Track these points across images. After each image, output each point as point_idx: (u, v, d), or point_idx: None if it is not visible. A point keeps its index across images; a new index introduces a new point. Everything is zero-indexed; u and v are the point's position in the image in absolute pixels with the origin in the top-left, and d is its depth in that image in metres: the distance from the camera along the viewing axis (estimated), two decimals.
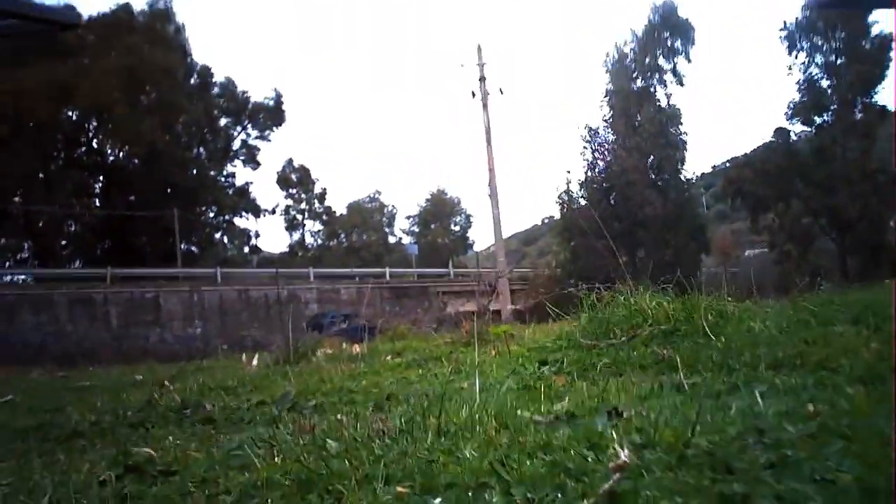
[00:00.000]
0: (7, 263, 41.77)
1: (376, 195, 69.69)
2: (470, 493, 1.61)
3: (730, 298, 4.75)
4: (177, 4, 63.71)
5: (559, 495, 1.51)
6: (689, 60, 39.69)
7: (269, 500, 1.77)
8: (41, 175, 38.53)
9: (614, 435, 1.91)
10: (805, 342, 3.32)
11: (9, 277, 35.74)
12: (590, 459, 1.75)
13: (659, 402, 2.56)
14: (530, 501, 1.51)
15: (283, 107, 50.23)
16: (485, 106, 31.39)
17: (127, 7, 42.92)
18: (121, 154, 43.04)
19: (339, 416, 3.02)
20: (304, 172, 63.64)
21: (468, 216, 70.94)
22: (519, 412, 2.54)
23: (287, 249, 63.27)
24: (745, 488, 1.32)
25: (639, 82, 39.02)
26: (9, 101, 33.44)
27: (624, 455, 1.58)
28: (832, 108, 38.70)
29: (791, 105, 40.54)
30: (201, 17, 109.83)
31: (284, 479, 1.95)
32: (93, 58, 39.96)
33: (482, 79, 31.65)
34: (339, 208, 66.85)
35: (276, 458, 2.26)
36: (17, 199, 38.97)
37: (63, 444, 3.39)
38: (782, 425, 1.80)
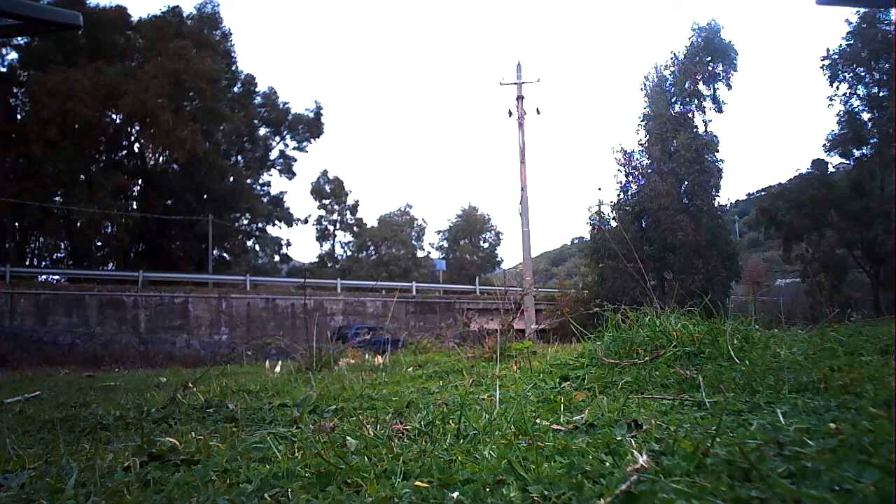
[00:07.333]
0: (43, 263, 42.56)
1: (407, 209, 70.02)
2: (487, 489, 1.62)
3: (757, 326, 4.69)
4: (223, 10, 64.44)
5: (576, 494, 1.52)
6: (730, 87, 39.22)
7: (289, 490, 1.80)
8: (82, 176, 39.00)
9: (633, 443, 1.91)
10: (830, 369, 3.27)
11: (44, 277, 36.22)
12: (608, 463, 1.77)
13: (679, 416, 2.56)
14: (547, 499, 1.52)
15: (323, 118, 50.71)
16: (521, 125, 31.36)
17: (176, 10, 43.29)
18: (160, 159, 43.47)
19: (359, 417, 3.05)
20: (337, 184, 64.34)
21: (498, 233, 70.95)
22: (538, 420, 2.55)
23: (316, 259, 63.91)
24: (763, 493, 1.32)
25: (677, 107, 38.63)
26: (57, 103, 34.06)
27: (642, 460, 1.59)
28: (872, 141, 38.15)
29: (830, 137, 40.13)
30: (247, 24, 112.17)
31: (304, 471, 1.98)
32: (140, 61, 40.50)
33: (520, 97, 31.63)
34: (370, 220, 67.35)
35: (296, 453, 2.30)
36: (57, 198, 39.67)
37: (88, 434, 3.44)
38: (803, 440, 1.80)
